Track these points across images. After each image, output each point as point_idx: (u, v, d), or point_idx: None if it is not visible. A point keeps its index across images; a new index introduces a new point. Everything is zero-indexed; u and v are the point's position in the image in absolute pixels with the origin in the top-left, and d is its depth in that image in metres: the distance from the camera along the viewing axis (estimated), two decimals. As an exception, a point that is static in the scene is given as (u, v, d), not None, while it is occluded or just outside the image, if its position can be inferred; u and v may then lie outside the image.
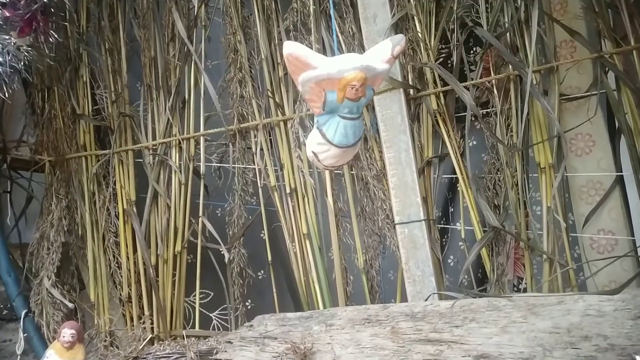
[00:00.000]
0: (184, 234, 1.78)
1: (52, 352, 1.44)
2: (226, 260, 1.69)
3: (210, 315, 1.79)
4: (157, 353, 1.56)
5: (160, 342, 1.72)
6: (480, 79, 1.58)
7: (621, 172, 1.48)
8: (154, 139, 1.87)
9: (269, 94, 1.74)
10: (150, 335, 1.73)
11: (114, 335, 1.78)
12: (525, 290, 1.52)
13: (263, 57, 1.77)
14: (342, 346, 1.33)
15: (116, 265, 1.84)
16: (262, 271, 1.87)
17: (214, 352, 1.50)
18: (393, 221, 1.55)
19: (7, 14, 1.50)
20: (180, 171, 1.81)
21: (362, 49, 1.63)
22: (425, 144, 1.62)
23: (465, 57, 1.63)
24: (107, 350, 1.73)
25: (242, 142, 1.80)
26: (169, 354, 1.53)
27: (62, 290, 1.81)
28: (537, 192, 1.55)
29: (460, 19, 1.65)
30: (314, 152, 0.98)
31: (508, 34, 1.55)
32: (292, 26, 1.71)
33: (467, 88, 1.53)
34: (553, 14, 1.54)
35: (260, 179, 1.74)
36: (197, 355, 1.48)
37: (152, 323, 1.76)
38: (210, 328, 1.76)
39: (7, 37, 1.51)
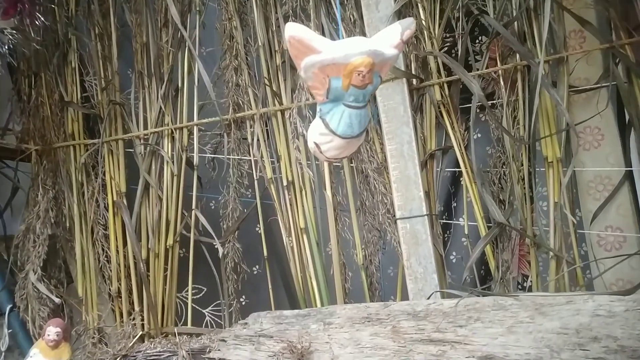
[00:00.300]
0: (176, 227, 1.72)
1: (36, 351, 1.38)
2: (220, 254, 1.63)
3: (203, 311, 1.73)
4: (148, 351, 1.50)
5: (151, 339, 1.66)
6: (486, 69, 1.52)
7: (631, 167, 1.44)
8: (145, 128, 1.80)
9: (266, 82, 1.68)
10: (141, 332, 1.67)
11: (103, 332, 1.72)
12: (530, 289, 1.47)
13: (260, 44, 1.70)
14: (341, 346, 1.28)
15: (105, 259, 1.77)
16: (257, 266, 1.81)
17: (207, 350, 1.44)
18: (394, 216, 1.49)
19: (-10, -6, 1.42)
20: (173, 162, 1.74)
21: (363, 36, 1.57)
22: (428, 136, 1.56)
23: (471, 46, 1.57)
24: (95, 347, 1.66)
25: (237, 133, 1.74)
26: (160, 352, 1.47)
27: (48, 285, 1.75)
28: (543, 187, 1.50)
29: (466, 6, 1.58)
30: (315, 143, 0.92)
31: (515, 23, 1.49)
32: (291, 12, 1.64)
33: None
34: (562, 2, 1.48)
35: (256, 171, 1.68)
36: (189, 354, 1.42)
37: (142, 319, 1.70)
38: (203, 325, 1.71)
39: (-10, 19, 1.43)
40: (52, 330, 1.37)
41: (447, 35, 1.60)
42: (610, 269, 1.39)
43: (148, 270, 1.72)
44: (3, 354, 1.65)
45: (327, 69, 0.84)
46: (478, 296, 1.24)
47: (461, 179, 1.58)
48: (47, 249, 1.79)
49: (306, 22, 1.63)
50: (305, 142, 1.55)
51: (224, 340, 1.44)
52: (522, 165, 1.47)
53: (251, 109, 1.71)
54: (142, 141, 1.79)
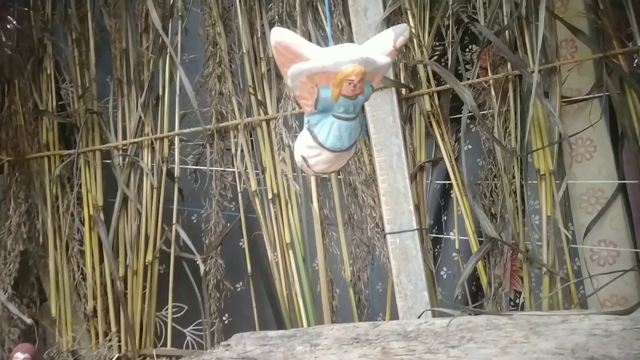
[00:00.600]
0: (156, 243, 1.64)
1: (3, 377, 1.29)
2: (201, 272, 1.56)
3: (184, 331, 1.66)
4: (124, 375, 1.42)
5: (128, 361, 1.58)
6: (477, 78, 1.48)
7: (623, 179, 1.41)
8: (124, 138, 1.72)
9: (251, 91, 1.62)
10: (117, 355, 1.58)
11: (78, 355, 1.63)
12: (523, 306, 1.43)
13: (244, 51, 1.64)
14: (329, 368, 1.21)
15: (81, 276, 1.68)
16: (241, 283, 1.74)
17: (188, 373, 1.37)
18: (383, 230, 1.44)
19: (-43, -3, 1.34)
20: (153, 174, 1.67)
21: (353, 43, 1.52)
22: (417, 147, 1.52)
23: (461, 55, 1.53)
24: (68, 371, 1.58)
25: (220, 143, 1.67)
26: (137, 376, 1.40)
27: (20, 305, 1.65)
28: (535, 200, 1.47)
29: (456, 14, 1.55)
30: (302, 157, 0.86)
31: (506, 31, 1.46)
32: (276, 18, 1.59)
33: (461, 88, 1.44)
34: (554, 11, 1.46)
35: (240, 183, 1.61)
36: (168, 378, 1.35)
37: (119, 340, 1.62)
38: (184, 346, 1.63)
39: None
40: (20, 357, 1.29)
41: (437, 43, 1.56)
42: (603, 283, 1.36)
43: (126, 288, 1.64)
44: (-32, 379, 1.55)
45: (316, 78, 0.79)
46: (470, 315, 1.19)
47: (451, 191, 1.53)
48: (19, 266, 1.70)
49: (292, 29, 1.58)
50: (292, 153, 1.49)
51: (205, 363, 1.37)
52: (514, 177, 1.43)
53: (235, 119, 1.65)
54: (120, 152, 1.71)
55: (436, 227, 1.61)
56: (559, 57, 1.43)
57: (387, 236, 1.41)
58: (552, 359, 1.04)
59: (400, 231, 1.40)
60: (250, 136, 1.65)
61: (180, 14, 1.72)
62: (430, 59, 1.52)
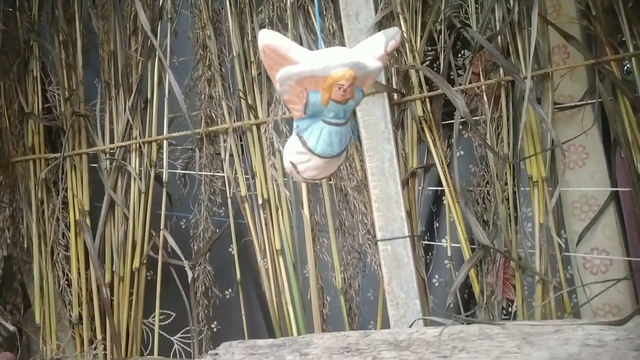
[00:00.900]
0: (143, 249, 1.61)
1: (-17, 387, 1.25)
2: (189, 279, 1.53)
3: (171, 339, 1.62)
4: (109, 384, 1.39)
5: (114, 369, 1.54)
6: (469, 84, 1.47)
7: (616, 187, 1.40)
8: (111, 141, 1.69)
9: (241, 94, 1.59)
10: (103, 362, 1.55)
11: (61, 363, 1.59)
12: (515, 314, 1.41)
13: (235, 54, 1.62)
14: (319, 378, 1.19)
15: (66, 282, 1.65)
16: (230, 290, 1.71)
17: (174, 383, 1.34)
18: (374, 237, 1.42)
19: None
20: (140, 178, 1.64)
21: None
22: (409, 153, 1.50)
23: (453, 60, 1.52)
24: (52, 379, 1.54)
25: (210, 147, 1.65)
26: (122, 385, 1.36)
27: (3, 311, 1.61)
28: (528, 207, 1.45)
29: (448, 19, 1.54)
30: (292, 163, 0.84)
31: (499, 37, 1.45)
32: (267, 21, 1.57)
33: (453, 94, 1.42)
34: (546, 17, 1.45)
35: (229, 189, 1.58)
36: (154, 387, 1.31)
37: (104, 348, 1.58)
38: (171, 354, 1.60)
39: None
40: (0, 366, 1.25)
41: (429, 48, 1.55)
42: (596, 292, 1.35)
43: (112, 294, 1.60)
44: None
45: (305, 82, 0.77)
46: (462, 324, 1.18)
47: (443, 197, 1.52)
48: (3, 272, 1.66)
49: (283, 32, 1.56)
50: (282, 158, 1.47)
51: (192, 372, 1.34)
52: (507, 184, 1.41)
53: (225, 123, 1.62)
54: (107, 156, 1.68)
55: (428, 234, 1.59)
56: (551, 63, 1.42)
57: (379, 243, 1.39)
58: (545, 369, 1.02)
59: (391, 238, 1.38)
60: (240, 140, 1.63)
61: (169, 16, 1.69)
62: (422, 64, 1.50)
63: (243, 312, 1.55)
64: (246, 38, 1.62)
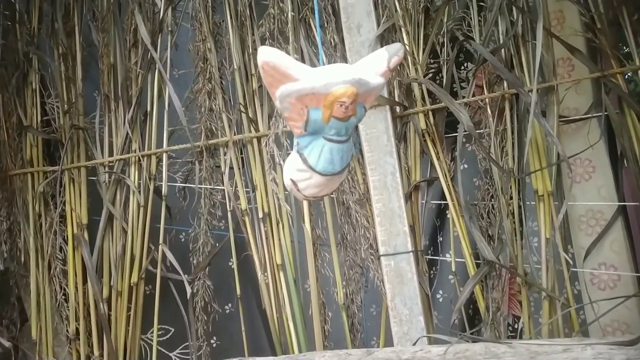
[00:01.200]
0: (142, 263, 1.58)
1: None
2: (188, 295, 1.50)
3: (170, 354, 1.60)
4: (106, 403, 1.36)
5: (111, 386, 1.51)
6: (472, 97, 1.45)
7: (623, 201, 1.37)
8: (110, 155, 1.67)
9: (241, 107, 1.58)
10: (100, 380, 1.52)
11: (58, 380, 1.56)
12: (522, 331, 1.38)
13: (235, 67, 1.60)
14: (320, 399, 1.16)
15: (63, 297, 1.62)
16: (230, 304, 1.68)
17: (172, 402, 1.31)
18: (377, 251, 1.39)
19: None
20: (140, 191, 1.62)
21: (344, 61, 1.49)
22: (412, 166, 1.48)
23: (456, 73, 1.50)
24: (48, 397, 1.51)
25: (210, 160, 1.63)
26: (119, 404, 1.33)
27: (-1, 326, 1.59)
28: (533, 222, 1.43)
29: (451, 32, 1.53)
30: (292, 180, 0.82)
31: (502, 49, 1.43)
32: (268, 34, 1.55)
33: (457, 107, 1.40)
34: (550, 29, 1.43)
35: (229, 202, 1.56)
36: (151, 407, 1.28)
37: (102, 365, 1.55)
38: (169, 371, 1.57)
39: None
40: (-6, 385, 1.22)
41: (432, 61, 1.54)
42: (603, 309, 1.32)
43: (110, 309, 1.58)
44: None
45: (306, 99, 0.75)
46: (468, 342, 1.15)
47: (447, 211, 1.49)
48: (0, 286, 1.64)
49: (284, 46, 1.54)
50: (283, 173, 1.45)
51: (190, 391, 1.31)
52: (512, 198, 1.39)
53: (225, 136, 1.60)
54: (106, 169, 1.66)
55: (432, 248, 1.56)
56: (556, 76, 1.40)
57: (382, 258, 1.36)
58: (553, 389, 0.99)
59: (395, 253, 1.35)
60: (241, 153, 1.61)
61: (170, 29, 1.68)
62: (424, 76, 1.48)
63: (243, 328, 1.52)
64: (247, 51, 1.61)
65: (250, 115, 1.58)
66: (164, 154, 1.64)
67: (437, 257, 1.53)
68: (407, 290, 1.33)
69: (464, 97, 1.47)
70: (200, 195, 1.62)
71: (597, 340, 1.08)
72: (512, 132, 1.41)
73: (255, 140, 1.58)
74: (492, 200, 1.41)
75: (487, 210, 1.42)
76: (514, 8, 1.43)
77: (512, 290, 1.42)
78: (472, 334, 1.31)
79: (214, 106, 1.63)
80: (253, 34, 1.60)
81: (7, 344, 1.56)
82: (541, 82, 1.39)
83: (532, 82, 1.39)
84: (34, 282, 1.64)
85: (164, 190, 1.62)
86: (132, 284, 1.58)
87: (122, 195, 1.64)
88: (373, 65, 0.79)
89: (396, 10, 1.49)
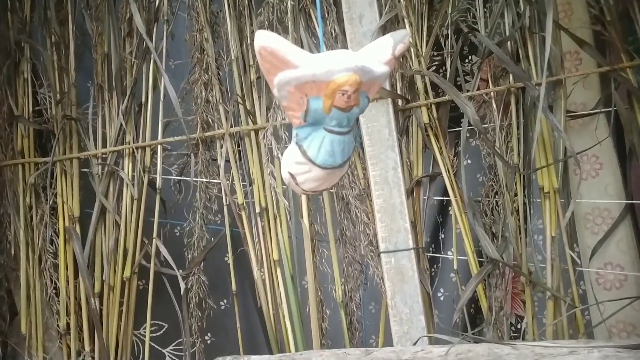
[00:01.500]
0: (135, 257, 1.54)
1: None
2: (182, 290, 1.46)
3: (163, 351, 1.56)
4: (96, 401, 1.32)
5: (103, 384, 1.47)
6: (477, 90, 1.41)
7: (632, 199, 1.33)
8: (103, 146, 1.62)
9: (239, 99, 1.53)
10: (91, 376, 1.48)
11: (48, 376, 1.52)
12: (525, 332, 1.34)
13: (233, 57, 1.56)
14: (317, 400, 1.12)
15: (54, 291, 1.58)
16: (226, 300, 1.64)
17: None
18: (377, 248, 1.36)
19: None
20: (133, 184, 1.57)
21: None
22: (414, 161, 1.44)
23: (460, 66, 1.46)
24: (38, 394, 1.47)
25: (206, 153, 1.58)
26: (110, 403, 1.29)
27: (-13, 321, 1.54)
28: (538, 220, 1.39)
29: (455, 23, 1.48)
30: (290, 174, 0.78)
31: (508, 42, 1.39)
32: (267, 24, 1.51)
33: (460, 100, 1.36)
34: (557, 21, 1.39)
35: (225, 196, 1.52)
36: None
37: (93, 360, 1.51)
38: (162, 368, 1.53)
39: None
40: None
41: (435, 53, 1.49)
42: (609, 309, 1.28)
43: (101, 304, 1.54)
44: None
45: (306, 88, 0.70)
46: (470, 342, 1.11)
47: (449, 207, 1.45)
48: (-11, 279, 1.60)
49: (283, 36, 1.49)
50: (281, 167, 1.41)
51: (183, 390, 1.27)
52: (516, 195, 1.35)
53: (222, 128, 1.56)
54: (99, 161, 1.61)
55: (433, 246, 1.53)
56: (563, 70, 1.36)
57: (382, 255, 1.33)
58: (558, 393, 0.96)
59: (395, 250, 1.31)
60: (238, 146, 1.57)
61: (165, 18, 1.63)
62: (428, 69, 1.44)
63: (238, 325, 1.48)
64: (245, 41, 1.56)
65: (248, 107, 1.54)
66: (159, 146, 1.59)
67: (439, 255, 1.50)
68: (408, 289, 1.29)
69: (468, 91, 1.42)
70: (196, 188, 1.57)
71: (604, 343, 1.04)
72: (518, 127, 1.37)
73: (252, 133, 1.53)
74: (497, 196, 1.38)
75: (490, 207, 1.38)
76: (521, -1, 1.39)
77: (515, 289, 1.39)
78: (474, 334, 1.27)
79: (210, 97, 1.58)
80: (251, 24, 1.56)
81: (-5, 339, 1.52)
82: (549, 76, 1.35)
83: (539, 75, 1.35)
84: (24, 275, 1.59)
85: (158, 183, 1.57)
86: (124, 279, 1.54)
87: (115, 187, 1.59)
88: (377, 53, 0.74)
89: (399, 1, 1.44)
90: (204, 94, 1.59)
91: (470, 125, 1.35)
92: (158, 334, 1.59)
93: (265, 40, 0.68)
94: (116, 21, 1.66)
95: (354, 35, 1.41)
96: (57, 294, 1.58)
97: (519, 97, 1.38)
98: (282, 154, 1.45)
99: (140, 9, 1.62)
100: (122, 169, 1.59)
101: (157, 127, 1.60)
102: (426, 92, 1.45)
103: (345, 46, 1.44)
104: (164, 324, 1.58)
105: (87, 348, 1.54)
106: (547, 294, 1.28)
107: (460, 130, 1.40)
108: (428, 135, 1.43)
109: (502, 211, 1.35)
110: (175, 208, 1.62)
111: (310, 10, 1.53)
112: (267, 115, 1.51)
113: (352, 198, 1.44)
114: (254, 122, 1.53)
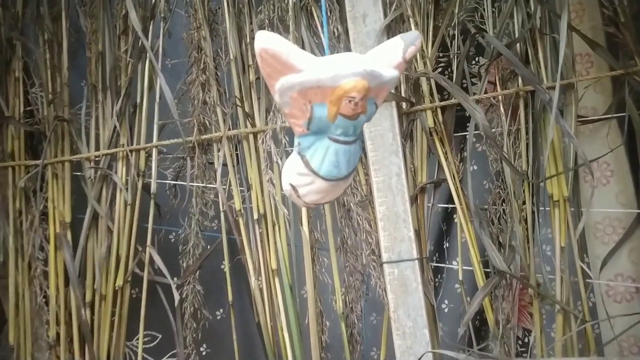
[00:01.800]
0: (128, 265, 1.49)
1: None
2: (176, 301, 1.40)
3: (157, 363, 1.51)
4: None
5: (94, 396, 1.42)
6: (484, 93, 1.36)
7: (644, 208, 1.29)
8: (96, 149, 1.57)
9: (237, 101, 1.48)
10: (81, 389, 1.43)
11: (36, 389, 1.47)
12: (533, 346, 1.29)
13: (232, 57, 1.50)
14: (317, 418, 1.07)
15: (44, 300, 1.52)
16: (222, 310, 1.59)
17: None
18: (379, 257, 1.30)
19: None
20: (127, 189, 1.52)
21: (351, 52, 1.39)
22: (419, 166, 1.38)
23: (467, 68, 1.41)
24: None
25: (202, 157, 1.53)
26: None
27: (-26, 331, 1.49)
28: (547, 229, 1.34)
29: (462, 24, 1.43)
30: (292, 185, 0.72)
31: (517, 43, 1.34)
32: (267, 22, 1.45)
33: (467, 104, 1.31)
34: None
35: (222, 201, 1.46)
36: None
37: (83, 373, 1.45)
38: (156, 381, 1.47)
39: None
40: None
41: (441, 54, 1.44)
42: (619, 323, 1.23)
43: (93, 314, 1.48)
44: None
45: (310, 93, 0.65)
46: (476, 359, 1.06)
47: (454, 215, 1.40)
48: (-24, 287, 1.54)
49: (284, 35, 1.44)
50: (281, 172, 1.35)
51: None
52: (524, 203, 1.30)
53: (219, 131, 1.50)
54: (92, 164, 1.56)
55: (437, 254, 1.47)
56: (575, 73, 1.31)
57: (384, 265, 1.27)
58: (569, 412, 0.91)
59: (398, 260, 1.26)
60: (236, 150, 1.51)
61: (162, 15, 1.57)
62: (434, 71, 1.39)
63: (235, 336, 1.43)
64: (244, 40, 1.51)
65: (247, 109, 1.48)
66: (154, 149, 1.53)
67: (443, 265, 1.44)
68: (412, 301, 1.24)
69: (474, 94, 1.37)
70: (192, 193, 1.52)
71: (618, 361, 1.00)
72: (527, 132, 1.32)
73: (251, 136, 1.48)
74: (504, 204, 1.32)
75: (497, 215, 1.33)
76: (531, -2, 1.34)
77: (523, 301, 1.34)
78: (480, 349, 1.22)
79: (207, 99, 1.53)
80: (251, 22, 1.50)
81: (-18, 349, 1.46)
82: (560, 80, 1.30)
83: (549, 78, 1.30)
84: (13, 283, 1.54)
85: (153, 187, 1.52)
86: (117, 288, 1.48)
87: (108, 192, 1.54)
88: (386, 56, 0.69)
89: (404, -1, 1.39)
90: (201, 95, 1.54)
91: (477, 129, 1.30)
92: (151, 345, 1.54)
93: (266, 41, 0.63)
94: (111, 18, 1.61)
95: (357, 35, 1.35)
96: (47, 303, 1.52)
97: (528, 101, 1.33)
98: (281, 159, 1.41)
99: (136, 6, 1.56)
100: (116, 172, 1.53)
101: (152, 129, 1.54)
102: (431, 94, 1.39)
103: (348, 46, 1.39)
104: (157, 335, 1.53)
105: (77, 359, 1.48)
106: (557, 307, 1.23)
107: (465, 135, 1.35)
108: (433, 139, 1.37)
109: (509, 220, 1.30)
110: (170, 213, 1.56)
111: (312, 9, 1.48)
112: (266, 118, 1.46)
113: (353, 205, 1.38)
114: (253, 125, 1.48)
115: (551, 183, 1.29)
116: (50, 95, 1.61)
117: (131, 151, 1.54)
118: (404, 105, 1.39)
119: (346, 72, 0.64)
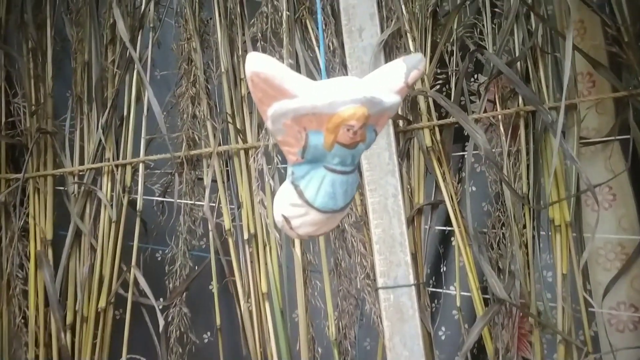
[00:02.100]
0: (112, 286, 1.42)
1: None
2: (161, 327, 1.34)
3: (140, 389, 1.43)
4: None
5: None
6: (484, 112, 1.32)
7: (647, 234, 1.25)
8: (81, 163, 1.50)
9: (228, 116, 1.42)
10: (59, 417, 1.35)
11: (10, 417, 1.40)
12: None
13: (223, 70, 1.45)
14: None
15: (22, 320, 1.45)
16: (209, 333, 1.52)
17: None
18: (374, 282, 1.25)
19: None
20: (112, 205, 1.45)
21: (343, 68, 1.35)
22: (415, 187, 1.34)
23: (466, 85, 1.37)
24: None
25: (191, 173, 1.47)
26: None
27: (-53, 353, 1.41)
28: (548, 254, 1.29)
29: (461, 40, 1.39)
30: (284, 217, 0.67)
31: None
32: (260, 35, 1.41)
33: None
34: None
35: (211, 220, 1.41)
36: None
37: (62, 399, 1.38)
38: (138, 409, 1.40)
39: None
40: None
41: (439, 71, 1.40)
42: (623, 353, 1.19)
43: (74, 336, 1.41)
44: None
45: (305, 120, 0.60)
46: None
47: (452, 238, 1.36)
48: (-49, 306, 1.47)
49: (277, 48, 1.40)
50: (273, 191, 1.30)
51: None
52: (525, 227, 1.25)
53: (209, 146, 1.45)
54: (75, 179, 1.49)
55: (434, 278, 1.42)
56: (577, 93, 1.27)
57: (380, 291, 1.22)
58: None
59: (394, 286, 1.21)
60: (226, 166, 1.46)
61: (152, 25, 1.52)
62: (432, 88, 1.35)
63: (222, 362, 1.37)
64: (236, 53, 1.46)
65: (238, 124, 1.43)
66: (141, 164, 1.47)
67: (440, 290, 1.39)
68: (408, 329, 1.19)
69: (473, 112, 1.33)
70: (180, 210, 1.46)
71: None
72: (527, 153, 1.28)
73: (242, 153, 1.42)
74: (503, 228, 1.28)
75: (497, 239, 1.28)
76: (532, 15, 1.30)
77: (523, 329, 1.29)
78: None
79: (197, 113, 1.47)
80: (243, 34, 1.45)
81: (-45, 373, 1.39)
82: (559, 99, 1.26)
83: (550, 98, 1.26)
84: (-10, 303, 1.47)
85: (139, 204, 1.46)
86: (99, 309, 1.41)
87: (92, 208, 1.47)
88: (387, 80, 0.64)
89: (402, 14, 1.35)
90: (190, 108, 1.48)
91: (475, 149, 1.26)
92: (135, 368, 1.47)
93: (258, 64, 0.57)
94: (98, 27, 1.55)
95: (353, 50, 1.31)
96: (25, 324, 1.45)
97: (529, 121, 1.29)
98: (273, 178, 1.36)
99: (125, 15, 1.51)
100: (100, 188, 1.47)
101: (139, 143, 1.48)
102: (429, 112, 1.35)
103: (343, 60, 1.34)
104: (142, 359, 1.46)
105: (56, 384, 1.41)
106: (558, 337, 1.18)
107: (464, 155, 1.31)
108: (430, 159, 1.33)
109: (509, 244, 1.25)
110: (157, 231, 1.50)
111: (307, 21, 1.43)
112: (258, 134, 1.41)
113: (348, 226, 1.33)
114: (244, 141, 1.43)
115: (553, 207, 1.25)
116: (33, 106, 1.54)
117: (117, 166, 1.48)
118: (400, 123, 1.34)
119: (344, 99, 0.59)
